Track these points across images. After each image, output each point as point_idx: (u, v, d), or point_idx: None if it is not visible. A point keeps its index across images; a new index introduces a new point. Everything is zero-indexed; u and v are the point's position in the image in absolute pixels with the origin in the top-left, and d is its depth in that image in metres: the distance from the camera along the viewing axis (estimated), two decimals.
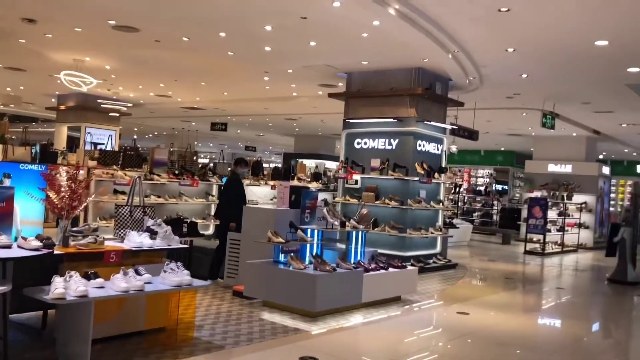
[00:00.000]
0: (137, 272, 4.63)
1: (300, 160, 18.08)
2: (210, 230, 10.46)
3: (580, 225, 17.43)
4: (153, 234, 5.25)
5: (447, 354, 5.42)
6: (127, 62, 11.65)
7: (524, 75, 10.26)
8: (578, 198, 17.58)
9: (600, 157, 21.64)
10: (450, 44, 8.28)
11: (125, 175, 9.03)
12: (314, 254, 6.67)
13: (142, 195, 5.83)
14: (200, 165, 11.60)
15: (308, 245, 6.78)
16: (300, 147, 24.21)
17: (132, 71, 12.60)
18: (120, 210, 5.53)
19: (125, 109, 16.73)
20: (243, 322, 5.80)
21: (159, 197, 9.43)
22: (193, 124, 22.83)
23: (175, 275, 4.74)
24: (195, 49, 9.94)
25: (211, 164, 15.07)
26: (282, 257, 6.54)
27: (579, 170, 17.97)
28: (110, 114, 16.88)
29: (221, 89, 14.43)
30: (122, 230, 5.42)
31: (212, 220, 10.22)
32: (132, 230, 5.32)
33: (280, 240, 6.35)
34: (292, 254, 6.40)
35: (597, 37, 7.67)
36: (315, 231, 6.84)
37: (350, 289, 6.53)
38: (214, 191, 10.57)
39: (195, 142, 29.36)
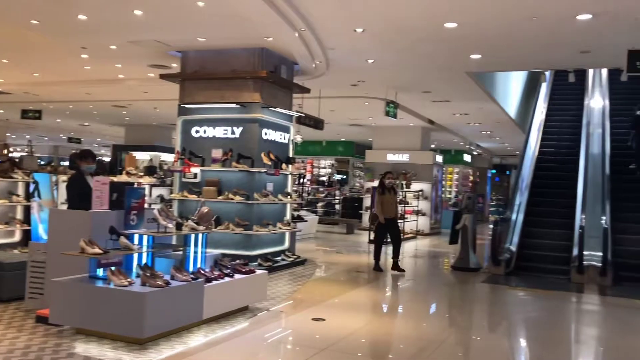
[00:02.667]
0: None
1: (130, 152, 16.26)
2: (17, 238, 8.60)
3: (417, 213, 17.96)
4: None
5: None
6: None
7: (370, 61, 9.86)
8: (415, 186, 18.12)
9: (432, 146, 22.67)
10: (297, 20, 7.48)
11: None
12: (142, 265, 5.45)
13: None
14: (0, 160, 9.55)
15: (135, 255, 5.53)
16: (132, 138, 22.05)
17: None
18: None
19: None
20: None
21: None
22: (1, 111, 19.61)
23: None
24: None
25: (16, 156, 12.81)
26: (100, 272, 5.23)
27: (415, 159, 18.52)
28: None
29: (30, 69, 12.19)
30: None
31: (18, 226, 8.40)
32: None
33: (97, 250, 5.04)
34: (112, 268, 5.12)
35: (447, 19, 7.37)
36: (144, 237, 5.60)
37: (189, 304, 5.43)
38: (20, 190, 8.70)
39: (8, 134, 25.70)
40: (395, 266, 10.03)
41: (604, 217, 10.37)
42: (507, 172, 35.32)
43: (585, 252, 9.86)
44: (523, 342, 6.50)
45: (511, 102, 15.94)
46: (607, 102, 14.85)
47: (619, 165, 12.34)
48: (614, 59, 8.84)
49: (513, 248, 10.87)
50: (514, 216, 11.75)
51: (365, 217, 17.57)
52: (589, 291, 9.10)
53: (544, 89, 16.35)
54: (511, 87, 15.72)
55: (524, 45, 8.55)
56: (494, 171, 33.34)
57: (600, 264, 9.63)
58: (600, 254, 9.77)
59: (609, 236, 9.94)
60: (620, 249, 10.18)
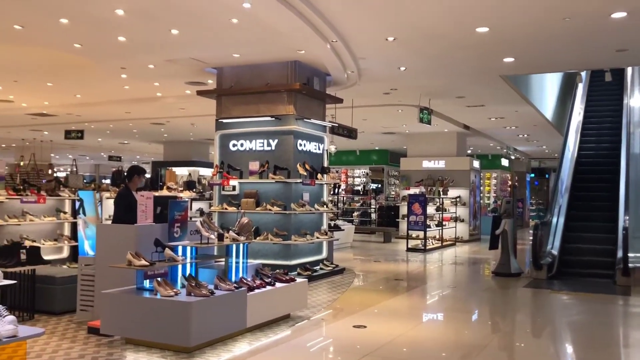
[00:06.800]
0: None
1: (169, 168, 16.64)
2: (65, 254, 8.93)
3: (456, 219, 17.81)
4: None
5: None
6: None
7: (402, 68, 9.91)
8: (452, 192, 17.97)
9: (468, 151, 22.47)
10: (328, 32, 7.60)
11: None
12: (186, 275, 5.61)
13: None
14: (46, 179, 9.93)
15: (179, 266, 5.69)
16: (170, 154, 22.60)
17: None
18: None
19: None
20: None
21: None
22: (45, 133, 20.36)
23: None
24: (33, 39, 8.39)
25: (60, 176, 13.26)
26: (147, 284, 5.41)
27: (451, 165, 18.39)
28: None
29: (72, 91, 12.68)
30: None
31: (66, 242, 8.73)
32: None
33: (144, 262, 5.22)
34: (159, 279, 5.30)
35: (478, 24, 7.39)
36: (188, 248, 5.77)
37: (233, 313, 5.56)
38: (67, 207, 9.05)
39: (52, 154, 26.59)
40: None
41: None
42: (546, 176, 34.68)
43: (630, 254, 9.62)
44: (568, 346, 6.40)
45: (547, 104, 15.72)
46: None
47: None
48: None
49: (555, 252, 10.69)
50: (554, 219, 11.57)
51: (402, 225, 17.48)
52: (636, 294, 8.88)
53: (580, 90, 16.07)
54: (547, 88, 15.51)
55: (557, 47, 8.47)
56: (532, 175, 32.77)
57: None
58: None
59: None
60: None
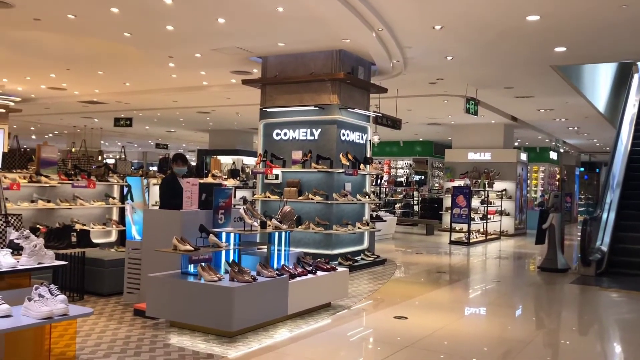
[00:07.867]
0: None
1: (214, 156, 16.89)
2: (113, 237, 9.20)
3: (501, 213, 17.46)
4: (17, 250, 4.09)
5: None
6: (5, 47, 10.05)
7: (449, 58, 9.73)
8: (498, 185, 17.60)
9: (516, 144, 21.95)
10: (374, 20, 7.53)
11: (5, 178, 7.61)
12: (230, 261, 5.69)
13: (3, 200, 4.62)
14: (95, 165, 10.21)
15: (223, 252, 5.78)
16: (215, 143, 22.95)
17: (13, 58, 10.96)
18: None
19: (12, 104, 14.85)
20: (144, 351, 4.73)
21: (48, 201, 8.13)
22: (96, 120, 20.97)
23: (44, 304, 3.62)
24: (85, 29, 8.61)
25: (110, 162, 13.61)
26: (191, 268, 5.51)
27: (498, 158, 18.01)
28: None
29: (122, 79, 13.00)
30: None
31: (114, 226, 8.98)
32: None
33: (189, 247, 5.31)
34: (203, 264, 5.39)
35: (529, 11, 7.17)
36: (232, 234, 5.85)
37: (274, 300, 5.61)
38: (115, 193, 9.31)
39: (101, 141, 27.39)
40: None
41: None
42: (597, 170, 33.58)
43: None
44: (617, 345, 6.20)
45: (599, 96, 15.18)
46: None
47: None
48: None
49: (604, 248, 10.35)
50: (604, 215, 11.19)
51: (445, 217, 17.26)
52: None
53: (636, 80, 15.41)
54: (599, 79, 14.97)
55: (613, 36, 8.15)
56: (582, 169, 31.79)
57: None
58: None
59: None
60: None
